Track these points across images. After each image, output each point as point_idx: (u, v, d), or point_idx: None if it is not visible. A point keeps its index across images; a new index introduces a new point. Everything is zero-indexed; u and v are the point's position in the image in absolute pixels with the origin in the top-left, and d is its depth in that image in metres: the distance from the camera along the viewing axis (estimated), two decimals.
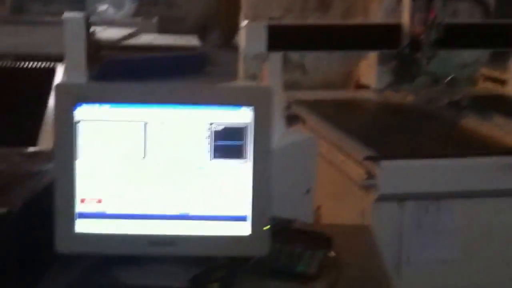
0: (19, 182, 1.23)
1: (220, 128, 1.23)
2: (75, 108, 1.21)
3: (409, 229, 2.35)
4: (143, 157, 1.23)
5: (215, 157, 1.24)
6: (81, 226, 1.24)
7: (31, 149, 1.41)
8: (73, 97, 1.20)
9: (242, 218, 1.25)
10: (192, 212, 1.25)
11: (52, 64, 1.92)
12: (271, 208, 1.25)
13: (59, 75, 1.88)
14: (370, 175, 2.25)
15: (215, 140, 1.23)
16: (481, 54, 3.04)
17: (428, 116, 2.53)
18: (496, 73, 2.90)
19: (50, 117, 1.75)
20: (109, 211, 1.24)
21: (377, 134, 2.43)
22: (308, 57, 3.11)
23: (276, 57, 2.40)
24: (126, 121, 1.22)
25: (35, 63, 1.93)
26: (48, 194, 1.22)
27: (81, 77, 1.93)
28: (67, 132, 1.21)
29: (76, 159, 1.22)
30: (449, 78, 2.52)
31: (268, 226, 1.24)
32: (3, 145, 1.45)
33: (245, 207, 1.25)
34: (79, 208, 1.23)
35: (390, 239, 2.12)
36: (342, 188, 2.32)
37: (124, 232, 1.24)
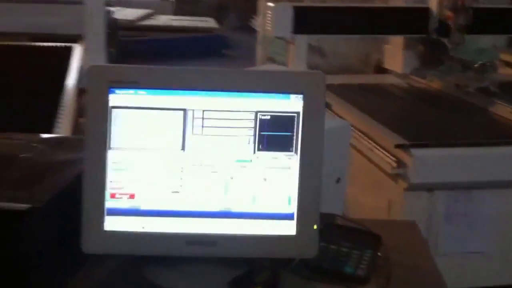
0: (43, 174, 1.11)
1: (266, 117, 1.12)
2: (110, 93, 1.09)
3: (439, 220, 2.27)
4: (182, 149, 1.12)
5: (259, 149, 1.13)
6: (111, 224, 1.13)
7: (55, 136, 1.29)
8: (108, 80, 1.08)
9: (289, 216, 1.14)
10: (234, 209, 1.14)
11: (69, 44, 1.80)
12: (320, 206, 1.14)
13: (76, 55, 1.76)
14: (400, 164, 2.16)
15: (260, 131, 1.12)
16: (498, 39, 2.93)
17: (456, 102, 2.43)
18: None
19: (67, 100, 1.63)
20: (142, 207, 1.13)
21: (406, 120, 2.32)
22: (326, 40, 2.99)
23: (302, 40, 2.30)
24: (164, 109, 1.11)
25: (52, 43, 1.81)
26: (75, 188, 1.11)
27: (100, 58, 1.82)
28: (99, 119, 1.09)
29: (108, 150, 1.11)
30: (478, 63, 2.41)
31: (317, 226, 1.14)
32: (18, 129, 1.34)
33: (292, 204, 1.14)
34: (109, 204, 1.12)
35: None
36: (370, 177, 2.22)
37: (159, 230, 1.13)
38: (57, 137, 1.28)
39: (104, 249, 1.13)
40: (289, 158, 1.13)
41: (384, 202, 2.18)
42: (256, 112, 1.11)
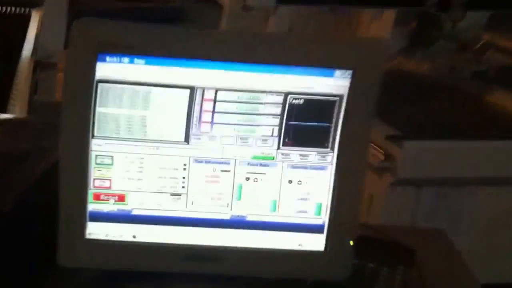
0: (6, 168, 0.84)
1: (299, 102, 0.87)
2: (98, 61, 0.82)
3: (424, 217, 2.08)
4: (185, 141, 0.86)
5: (285, 143, 0.88)
6: (95, 232, 0.87)
7: (11, 118, 1.01)
8: (97, 42, 0.81)
9: (317, 228, 0.91)
10: (249, 217, 0.90)
11: (26, 10, 1.49)
12: (358, 217, 0.91)
13: (33, 23, 1.46)
14: (388, 157, 1.95)
15: (288, 120, 0.88)
16: (480, 17, 2.74)
17: (449, 88, 2.22)
18: (503, 41, 2.61)
19: (22, 75, 1.34)
20: (134, 212, 0.87)
21: (393, 108, 2.11)
22: (297, 19, 2.74)
23: (285, 11, 2.05)
24: (164, 86, 0.84)
25: (6, 8, 1.49)
26: (46, 186, 0.84)
27: (60, 27, 1.53)
28: (81, 97, 0.82)
29: (91, 138, 0.84)
30: (479, 44, 2.21)
31: (353, 241, 0.91)
32: None
33: (322, 214, 0.91)
34: (92, 207, 0.86)
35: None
36: None
37: (154, 241, 0.88)
38: (14, 119, 1.00)
39: (85, 262, 0.88)
40: (323, 157, 0.89)
41: (365, 196, 1.97)
42: (286, 94, 0.87)
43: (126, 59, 0.83)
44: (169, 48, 0.83)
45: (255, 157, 0.88)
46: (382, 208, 2.01)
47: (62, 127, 0.82)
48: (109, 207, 0.86)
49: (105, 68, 0.82)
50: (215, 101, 0.86)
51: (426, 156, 1.95)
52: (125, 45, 0.82)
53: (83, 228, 0.86)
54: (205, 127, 0.86)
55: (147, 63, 0.83)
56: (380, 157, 1.92)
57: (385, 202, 1.98)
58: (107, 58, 0.82)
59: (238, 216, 0.89)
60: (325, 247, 0.91)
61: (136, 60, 0.83)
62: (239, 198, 0.89)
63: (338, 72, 0.87)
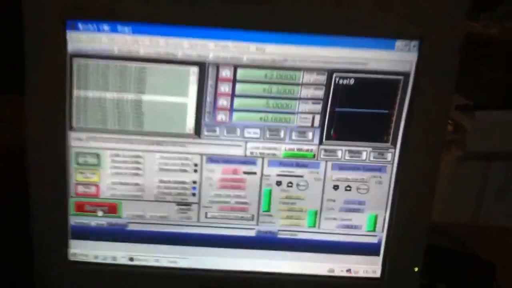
0: None
1: (348, 82, 0.64)
2: (68, 29, 0.61)
3: (492, 195, 1.83)
4: (196, 134, 0.64)
5: (329, 137, 0.66)
6: (79, 252, 0.67)
7: None
8: (62, 5, 0.60)
9: (371, 248, 0.69)
10: (280, 234, 0.68)
11: None
12: (427, 235, 0.68)
13: None
14: (457, 128, 1.69)
15: (333, 106, 0.65)
16: None
17: None
18: None
19: None
20: (130, 226, 0.67)
21: (462, 75, 1.82)
22: None
23: None
24: (165, 62, 0.62)
25: None
26: (16, 193, 0.65)
27: None
28: (51, 77, 0.61)
29: (69, 131, 0.63)
30: None
31: (419, 267, 0.68)
32: None
33: (378, 229, 0.68)
34: (75, 220, 0.66)
35: (470, 204, 1.67)
36: None
37: (155, 264, 0.68)
38: None
39: None
40: (380, 154, 0.66)
41: None
42: (331, 72, 0.64)
43: (106, 27, 0.61)
44: (167, 12, 0.61)
45: (289, 155, 0.66)
46: (448, 185, 1.76)
47: (29, 118, 0.61)
48: (97, 220, 0.66)
49: (79, 38, 0.61)
50: (234, 81, 0.63)
51: (499, 128, 1.70)
52: (100, 7, 0.60)
53: (64, 247, 0.66)
54: (221, 116, 0.64)
55: (135, 31, 0.61)
56: (448, 129, 1.67)
57: (451, 178, 1.74)
58: (80, 26, 0.60)
59: (266, 232, 0.68)
60: (382, 274, 0.69)
61: (120, 27, 0.61)
62: (268, 208, 0.67)
63: (400, 44, 0.63)
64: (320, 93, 0.64)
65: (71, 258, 0.67)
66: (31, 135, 0.62)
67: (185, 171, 0.65)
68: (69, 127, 0.63)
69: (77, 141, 0.64)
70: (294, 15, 0.62)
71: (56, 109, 0.62)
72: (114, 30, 0.61)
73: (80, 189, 0.65)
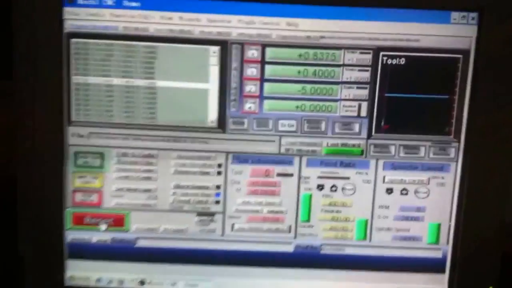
0: None
1: (397, 62, 0.53)
2: (65, 4, 0.51)
3: None
4: (219, 127, 0.53)
5: (380, 130, 0.54)
6: (78, 275, 0.55)
7: None
8: None
9: (434, 264, 0.56)
10: (325, 249, 0.56)
11: None
12: (503, 246, 0.56)
13: None
14: None
15: (382, 91, 0.53)
16: None
17: None
18: None
19: None
20: (140, 243, 0.55)
21: None
22: None
23: None
24: (180, 41, 0.52)
25: None
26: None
27: None
28: (45, 61, 0.51)
29: (68, 125, 0.53)
30: None
31: (493, 286, 0.56)
32: None
33: (442, 241, 0.56)
34: (72, 236, 0.55)
35: None
36: None
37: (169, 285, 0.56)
38: None
39: None
40: (442, 149, 0.55)
41: None
42: (377, 51, 0.53)
43: (109, 1, 0.51)
44: None
45: (333, 151, 0.54)
46: None
47: (17, 110, 0.51)
48: (100, 236, 0.55)
49: (77, 15, 0.51)
50: (263, 62, 0.53)
51: None
52: None
53: (59, 270, 0.54)
54: (250, 105, 0.53)
55: (144, 5, 0.51)
56: None
57: None
58: (79, 0, 0.51)
59: (306, 247, 0.56)
60: None
61: (126, 1, 0.51)
62: (308, 218, 0.55)
63: (456, 16, 0.52)
64: (366, 75, 0.53)
65: (68, 282, 0.55)
66: (20, 131, 0.51)
67: (206, 173, 0.54)
68: (67, 121, 0.53)
69: (76, 138, 0.53)
70: None
71: (51, 99, 0.51)
72: (119, 4, 0.51)
73: (79, 197, 0.54)
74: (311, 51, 0.53)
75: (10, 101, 0.51)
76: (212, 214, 0.55)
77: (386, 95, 0.54)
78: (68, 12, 0.51)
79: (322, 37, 0.53)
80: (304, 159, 0.54)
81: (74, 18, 0.51)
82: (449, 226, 0.56)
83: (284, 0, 0.52)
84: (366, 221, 0.56)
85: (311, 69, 0.53)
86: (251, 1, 0.52)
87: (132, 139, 0.53)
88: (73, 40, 0.51)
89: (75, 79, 0.52)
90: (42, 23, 0.50)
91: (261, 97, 0.53)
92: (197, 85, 0.53)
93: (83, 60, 0.52)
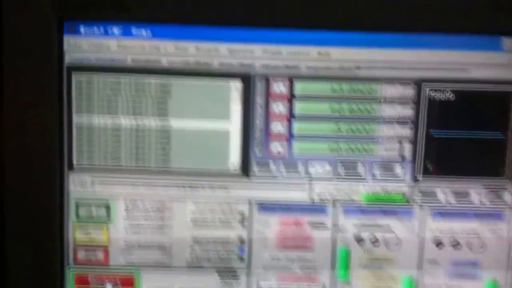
0: None
1: (444, 96, 0.47)
2: (66, 32, 0.45)
3: None
4: (242, 171, 0.46)
5: (427, 172, 0.47)
6: None
7: None
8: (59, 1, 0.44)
9: None
10: None
11: None
12: None
13: None
14: None
15: (429, 128, 0.47)
16: None
17: None
18: None
19: None
20: None
21: None
22: None
23: None
24: (195, 75, 0.46)
25: None
26: None
27: None
28: (41, 98, 0.45)
29: (68, 170, 0.46)
30: None
31: None
32: None
33: None
34: None
35: None
36: None
37: None
38: None
39: None
40: (496, 195, 0.48)
41: None
42: (419, 82, 0.46)
43: (116, 29, 0.45)
44: (198, 8, 0.45)
45: (372, 198, 0.47)
46: None
47: (9, 154, 0.44)
48: None
49: (80, 45, 0.45)
50: (291, 98, 0.46)
51: None
52: (110, 2, 0.44)
53: None
54: (277, 146, 0.46)
55: (156, 34, 0.45)
56: None
57: None
58: (82, 28, 0.45)
59: None
60: None
61: (135, 30, 0.45)
62: (345, 275, 0.48)
63: (509, 42, 0.46)
64: (408, 111, 0.47)
65: None
66: (11, 178, 0.44)
67: (228, 224, 0.47)
68: (67, 166, 0.46)
69: (78, 186, 0.46)
70: (368, 7, 0.45)
71: (49, 141, 0.45)
72: (127, 33, 0.45)
73: (82, 254, 0.47)
74: (345, 84, 0.46)
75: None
76: (235, 271, 0.47)
77: (432, 133, 0.47)
78: (69, 42, 0.45)
79: (358, 68, 0.46)
80: (340, 208, 0.47)
81: (76, 49, 0.45)
82: (508, 281, 0.48)
83: (314, 26, 0.45)
84: (412, 279, 0.48)
85: (346, 104, 0.47)
86: (277, 28, 0.45)
87: (143, 186, 0.47)
88: (75, 74, 0.45)
89: (77, 118, 0.45)
90: (39, 55, 0.44)
91: (290, 137, 0.47)
92: (217, 125, 0.46)
93: (86, 97, 0.45)
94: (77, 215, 0.46)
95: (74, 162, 0.46)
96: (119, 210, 0.46)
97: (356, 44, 0.46)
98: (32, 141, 0.44)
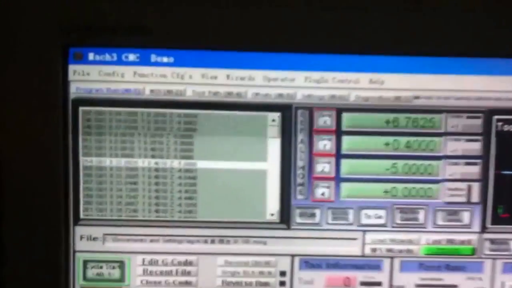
0: None
1: None
2: (71, 62, 0.37)
3: None
4: (281, 220, 0.39)
5: (497, 220, 0.40)
6: None
7: None
8: (63, 23, 0.37)
9: None
10: None
11: None
12: None
13: None
14: None
15: (499, 167, 0.39)
16: None
17: None
18: None
19: None
20: None
21: None
22: None
23: None
24: (224, 109, 0.38)
25: None
26: None
27: None
28: (41, 137, 0.37)
29: (74, 224, 0.38)
30: None
31: None
32: None
33: None
34: None
35: None
36: None
37: None
38: None
39: None
40: None
41: None
42: (489, 114, 0.39)
43: (132, 56, 0.37)
44: (229, 31, 0.38)
45: (434, 251, 0.40)
46: None
47: (4, 204, 0.37)
48: None
49: (88, 75, 0.37)
50: (338, 132, 0.39)
51: None
52: (125, 24, 0.37)
53: None
54: (322, 190, 0.39)
55: (179, 62, 0.38)
56: None
57: None
58: (90, 55, 0.37)
59: None
60: None
61: (154, 56, 0.38)
62: None
63: None
64: (476, 147, 0.39)
65: None
66: (8, 232, 0.37)
67: (265, 285, 0.40)
68: (73, 219, 0.38)
69: (86, 242, 0.38)
70: (427, 28, 0.38)
71: (52, 189, 0.37)
72: (145, 60, 0.38)
73: None
74: (402, 116, 0.39)
75: None
76: None
77: (504, 173, 0.40)
78: (76, 71, 0.38)
79: (416, 97, 0.39)
80: (397, 262, 0.40)
81: (83, 80, 0.38)
82: None
83: (366, 50, 0.38)
84: None
85: (402, 140, 0.39)
86: (322, 53, 0.38)
87: (164, 241, 0.39)
88: (82, 108, 0.38)
89: (85, 161, 0.38)
90: (38, 87, 0.36)
91: (337, 179, 0.39)
92: (251, 166, 0.39)
93: (96, 136, 0.38)
94: (85, 277, 0.39)
95: (81, 214, 0.38)
96: (135, 270, 0.39)
97: (414, 70, 0.39)
98: (31, 190, 0.37)
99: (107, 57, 0.38)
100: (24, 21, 0.36)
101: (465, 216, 0.40)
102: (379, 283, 0.40)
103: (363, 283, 0.40)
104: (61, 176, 0.37)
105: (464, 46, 0.38)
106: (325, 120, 0.39)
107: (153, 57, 0.38)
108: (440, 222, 0.40)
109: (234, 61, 0.38)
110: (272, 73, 0.39)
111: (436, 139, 0.40)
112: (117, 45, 0.37)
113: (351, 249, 0.40)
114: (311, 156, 0.39)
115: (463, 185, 0.40)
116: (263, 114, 0.39)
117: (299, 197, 0.39)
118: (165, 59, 0.38)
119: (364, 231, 0.40)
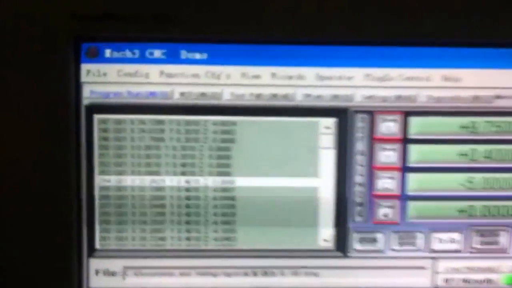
0: None
1: None
2: (83, 61, 0.31)
3: None
4: (338, 247, 0.32)
5: None
6: None
7: None
8: (74, 14, 0.30)
9: None
10: None
11: None
12: None
13: None
14: None
15: None
16: None
17: None
18: None
19: None
20: None
21: None
22: None
23: None
24: (272, 114, 0.31)
25: None
26: None
27: None
28: (50, 152, 0.30)
29: (87, 255, 0.32)
30: None
31: None
32: None
33: None
34: None
35: None
36: None
37: None
38: None
39: None
40: None
41: None
42: None
43: (158, 52, 0.31)
44: (276, 22, 0.31)
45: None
46: None
47: (7, 236, 0.30)
48: None
49: (105, 75, 0.31)
50: (405, 141, 0.32)
51: None
52: (153, 14, 0.30)
53: None
54: (385, 210, 0.33)
55: (214, 60, 0.31)
56: None
57: None
58: (107, 52, 0.31)
59: None
60: None
61: (185, 53, 0.31)
62: None
63: None
64: None
65: None
66: (8, 267, 0.30)
67: None
68: (87, 250, 0.32)
69: (103, 278, 0.32)
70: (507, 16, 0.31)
71: (61, 216, 0.31)
72: (173, 58, 0.31)
73: None
74: (481, 120, 0.33)
75: None
76: None
77: None
78: (90, 71, 0.31)
79: (498, 96, 0.32)
80: None
81: (99, 81, 0.31)
82: None
83: (438, 42, 0.31)
84: None
85: (481, 148, 0.33)
86: (385, 45, 0.31)
87: (196, 274, 0.33)
88: (98, 116, 0.31)
89: (102, 180, 0.31)
90: (45, 92, 0.30)
91: (403, 197, 0.33)
92: (300, 182, 0.32)
93: (114, 150, 0.31)
94: None
95: (97, 244, 0.32)
96: None
97: (496, 65, 0.32)
98: (37, 216, 0.30)
99: (128, 53, 0.31)
100: (26, 9, 0.29)
101: None
102: None
103: None
104: (73, 199, 0.31)
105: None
106: (388, 126, 0.32)
107: (183, 54, 0.31)
108: None
109: (281, 57, 0.32)
110: (326, 71, 0.32)
111: None
112: (139, 38, 0.30)
113: (419, 280, 0.33)
114: (372, 171, 0.33)
115: None
116: (315, 120, 0.32)
117: (358, 219, 0.33)
118: (197, 56, 0.31)
119: (436, 258, 0.33)
